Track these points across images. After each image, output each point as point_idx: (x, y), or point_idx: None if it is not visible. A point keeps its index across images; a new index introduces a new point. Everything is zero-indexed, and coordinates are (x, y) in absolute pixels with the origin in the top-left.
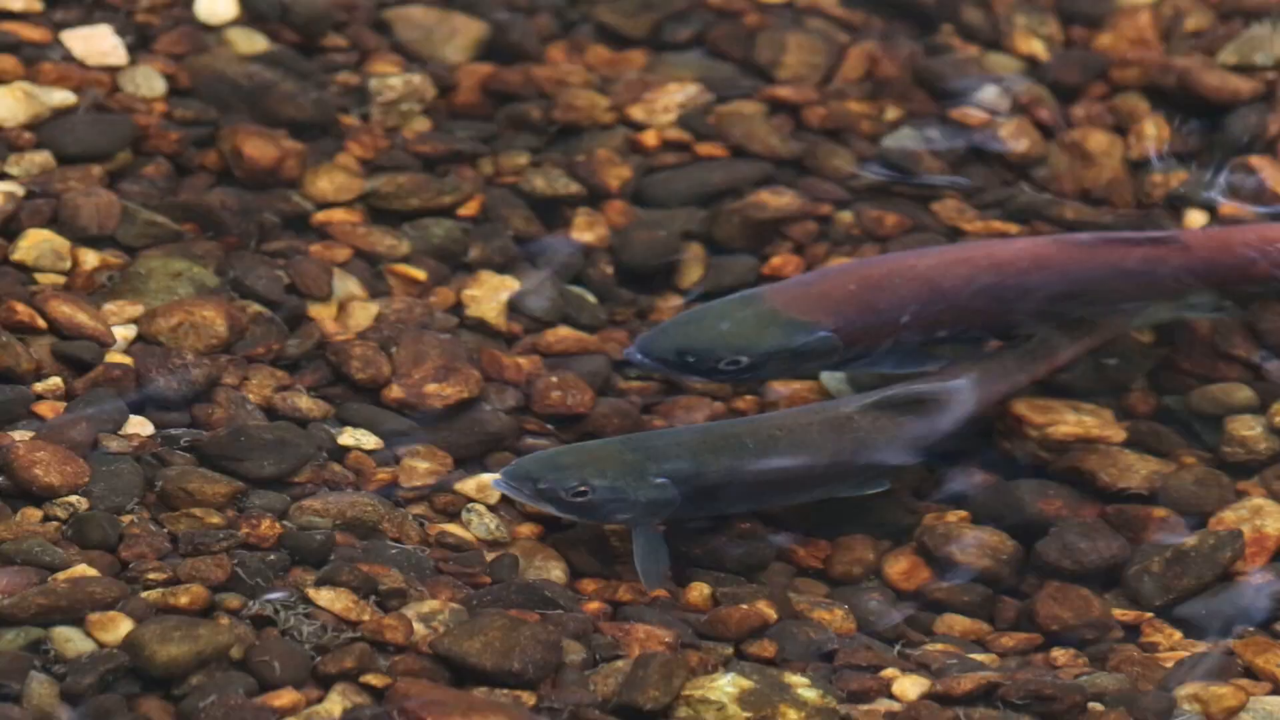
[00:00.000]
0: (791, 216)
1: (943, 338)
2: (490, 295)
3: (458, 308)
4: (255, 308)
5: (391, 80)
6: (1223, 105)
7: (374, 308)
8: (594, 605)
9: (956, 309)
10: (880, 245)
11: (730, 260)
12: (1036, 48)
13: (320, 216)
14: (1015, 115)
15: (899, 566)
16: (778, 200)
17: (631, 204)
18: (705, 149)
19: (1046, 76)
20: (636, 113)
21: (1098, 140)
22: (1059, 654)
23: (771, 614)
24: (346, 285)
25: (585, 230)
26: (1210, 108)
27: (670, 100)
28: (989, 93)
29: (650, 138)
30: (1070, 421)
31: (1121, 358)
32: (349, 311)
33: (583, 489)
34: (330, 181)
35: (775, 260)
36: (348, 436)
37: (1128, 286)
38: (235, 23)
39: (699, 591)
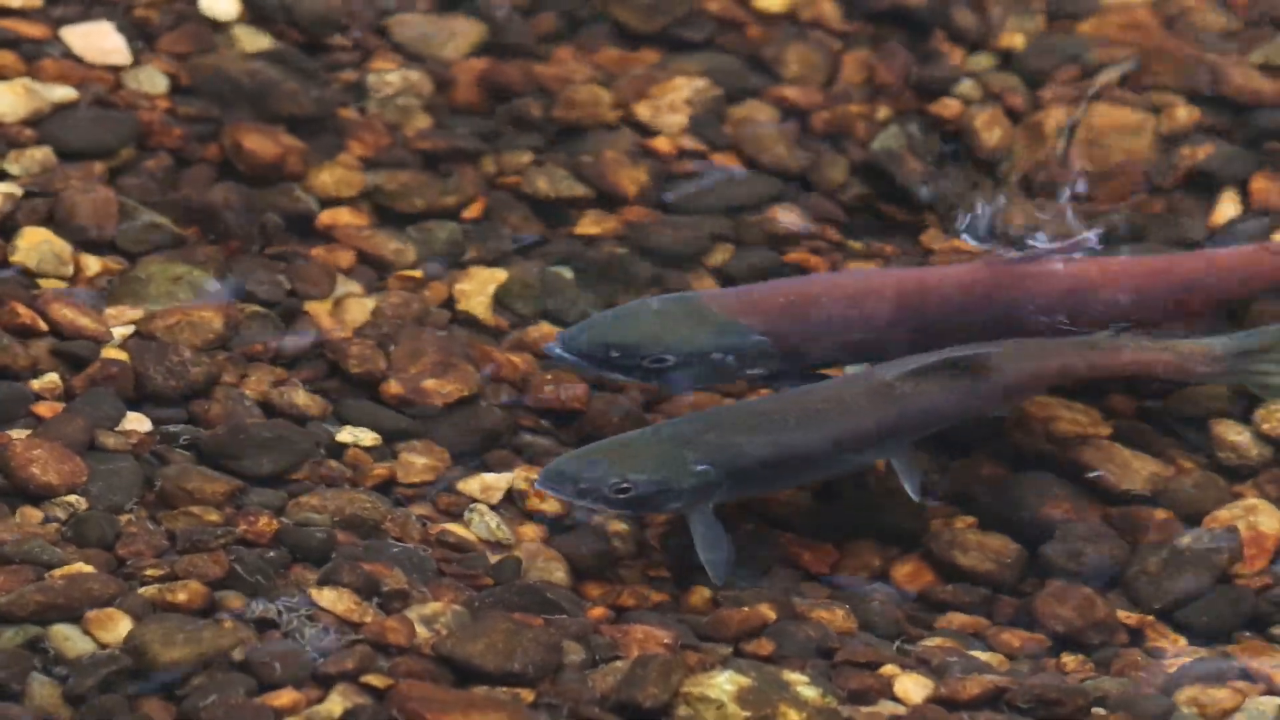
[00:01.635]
0: (803, 235)
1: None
2: (480, 289)
3: (449, 302)
4: (253, 307)
5: (389, 76)
6: None
7: (370, 303)
8: (598, 611)
9: (885, 331)
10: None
11: (754, 251)
12: (1017, 41)
13: (325, 218)
14: (989, 104)
15: (904, 569)
16: (789, 218)
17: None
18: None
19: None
20: (642, 111)
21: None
22: (1069, 659)
23: (772, 616)
24: (346, 285)
25: (593, 226)
26: None
27: (678, 97)
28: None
29: (662, 143)
30: (1065, 418)
31: None
32: (345, 307)
33: (625, 485)
34: (331, 176)
35: (794, 255)
36: (346, 434)
37: (1055, 310)
38: (239, 21)
39: (700, 595)
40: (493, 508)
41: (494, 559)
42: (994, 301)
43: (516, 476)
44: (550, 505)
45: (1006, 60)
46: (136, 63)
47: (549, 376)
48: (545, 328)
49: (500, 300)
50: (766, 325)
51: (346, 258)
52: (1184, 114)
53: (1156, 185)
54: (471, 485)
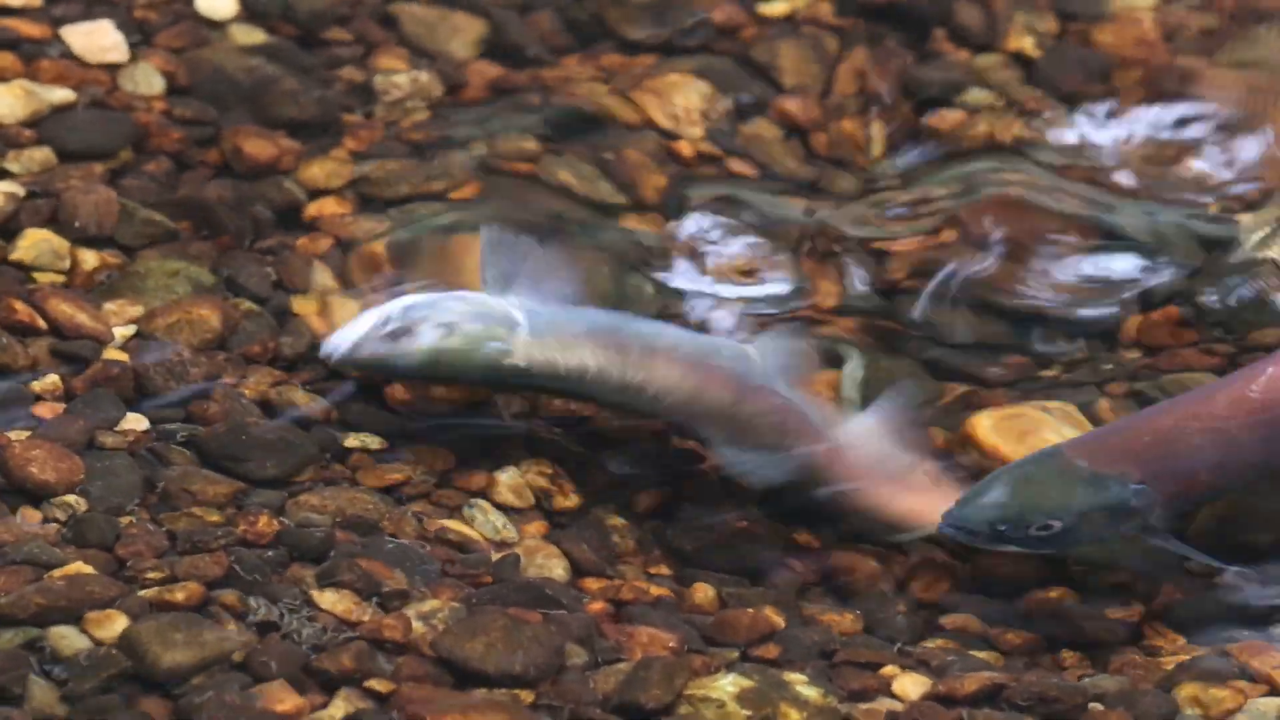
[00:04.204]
0: None
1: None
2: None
3: None
4: (247, 305)
5: (397, 78)
6: None
7: (354, 303)
8: (597, 605)
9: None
10: None
11: None
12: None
13: (312, 209)
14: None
15: (917, 578)
16: None
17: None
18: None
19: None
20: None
21: None
22: (1067, 655)
23: (779, 620)
24: (322, 278)
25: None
26: None
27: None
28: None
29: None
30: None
31: None
32: (330, 306)
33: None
34: (321, 169)
35: None
36: (353, 439)
37: None
38: (235, 20)
39: (704, 593)
40: (496, 505)
41: (496, 556)
42: None
43: (517, 474)
44: (554, 501)
45: None
46: (133, 62)
47: None
48: None
49: None
50: (1141, 469)
51: (324, 244)
52: None
53: None
54: (475, 483)
